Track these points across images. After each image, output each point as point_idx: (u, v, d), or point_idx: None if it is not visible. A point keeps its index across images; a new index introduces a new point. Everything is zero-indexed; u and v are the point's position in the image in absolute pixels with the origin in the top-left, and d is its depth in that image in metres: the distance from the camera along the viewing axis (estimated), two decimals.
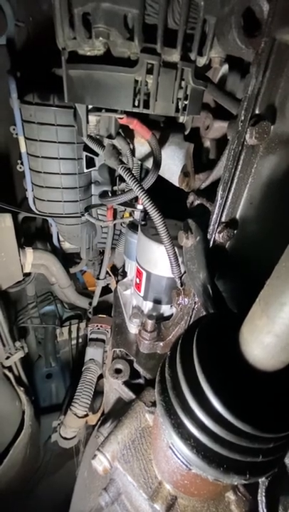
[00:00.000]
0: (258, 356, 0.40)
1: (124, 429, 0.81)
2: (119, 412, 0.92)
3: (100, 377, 1.70)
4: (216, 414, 0.41)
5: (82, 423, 1.65)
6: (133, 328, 1.18)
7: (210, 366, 0.43)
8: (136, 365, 1.06)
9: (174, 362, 0.49)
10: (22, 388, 2.00)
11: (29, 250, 1.74)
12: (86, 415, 1.59)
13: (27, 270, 1.81)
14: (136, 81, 0.67)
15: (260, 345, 0.39)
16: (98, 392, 1.72)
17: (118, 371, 1.05)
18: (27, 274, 1.96)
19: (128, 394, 0.99)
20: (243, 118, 0.60)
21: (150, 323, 1.03)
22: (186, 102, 0.76)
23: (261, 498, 0.64)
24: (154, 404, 0.85)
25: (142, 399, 0.88)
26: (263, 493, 0.64)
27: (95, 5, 0.59)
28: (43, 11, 1.51)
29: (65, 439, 1.68)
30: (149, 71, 0.66)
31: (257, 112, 0.59)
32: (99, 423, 1.04)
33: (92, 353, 1.68)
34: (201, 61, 0.74)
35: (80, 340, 2.58)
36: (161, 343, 1.06)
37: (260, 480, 0.62)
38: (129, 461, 0.77)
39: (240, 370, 0.41)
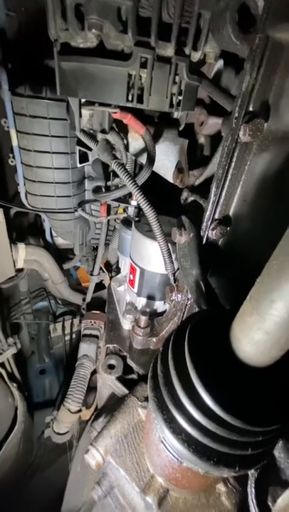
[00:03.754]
0: (249, 352, 0.40)
1: (117, 424, 0.82)
2: (112, 407, 0.92)
3: (94, 372, 1.71)
4: (206, 409, 0.42)
5: (76, 418, 1.66)
6: (126, 324, 1.18)
7: (201, 362, 0.43)
8: (129, 361, 1.06)
9: (166, 358, 0.50)
10: (15, 384, 1.99)
11: (21, 246, 1.72)
12: (79, 410, 1.60)
13: (19, 266, 1.79)
14: (129, 75, 0.66)
15: (251, 342, 0.39)
16: (91, 388, 1.73)
17: (111, 367, 1.05)
18: (20, 270, 1.94)
19: (121, 389, 0.99)
20: (237, 115, 0.60)
21: (143, 319, 1.04)
22: (180, 98, 0.76)
23: (251, 490, 0.66)
24: (146, 399, 0.85)
25: (135, 394, 0.89)
26: (253, 485, 0.66)
27: None
28: (35, 1, 1.47)
29: (58, 434, 1.69)
30: (143, 65, 0.65)
31: (251, 109, 0.59)
32: (92, 418, 1.05)
33: (85, 348, 1.69)
34: (196, 56, 0.73)
35: (74, 336, 2.58)
36: (154, 339, 1.07)
37: (249, 472, 0.64)
38: (122, 456, 0.78)
39: (231, 366, 0.42)
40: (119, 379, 1.02)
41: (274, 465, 0.66)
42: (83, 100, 0.82)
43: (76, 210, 1.64)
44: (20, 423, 2.03)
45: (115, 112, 0.85)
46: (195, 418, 0.44)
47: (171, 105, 0.75)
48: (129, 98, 0.70)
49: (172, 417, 0.47)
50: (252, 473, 0.65)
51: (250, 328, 0.39)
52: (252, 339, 0.39)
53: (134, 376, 1.06)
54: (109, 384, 1.04)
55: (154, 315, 1.14)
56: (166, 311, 1.08)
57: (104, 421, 0.90)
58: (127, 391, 0.96)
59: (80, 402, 1.57)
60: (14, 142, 1.47)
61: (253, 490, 0.66)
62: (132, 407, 0.85)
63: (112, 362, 1.06)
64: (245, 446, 0.43)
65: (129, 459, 0.77)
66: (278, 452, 0.65)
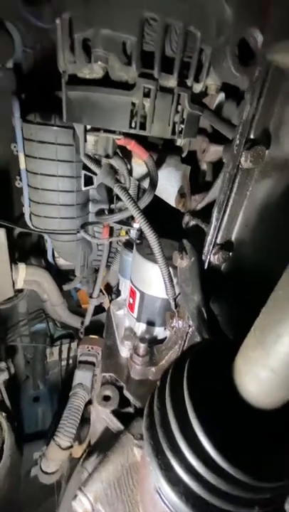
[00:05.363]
0: (254, 393, 0.36)
1: (109, 466, 0.74)
2: (106, 444, 0.85)
3: (89, 403, 1.60)
4: (207, 457, 0.37)
5: (66, 455, 1.52)
6: (124, 351, 1.12)
7: (201, 402, 0.39)
8: (126, 392, 0.99)
9: (164, 395, 0.45)
10: (4, 414, 1.87)
11: (22, 266, 1.71)
12: (71, 446, 1.47)
13: (19, 286, 1.76)
14: (133, 103, 0.68)
15: (256, 380, 0.35)
16: (86, 420, 1.61)
17: (106, 398, 0.99)
18: (19, 291, 1.91)
19: (116, 424, 0.92)
20: (238, 142, 0.61)
21: (142, 346, 0.99)
22: (182, 126, 0.78)
23: None
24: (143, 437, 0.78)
25: (131, 430, 0.82)
26: None
27: (94, 31, 0.61)
28: (50, 38, 1.59)
29: (46, 473, 1.53)
30: (146, 94, 0.68)
31: (252, 136, 0.60)
32: (84, 456, 0.96)
33: (80, 376, 1.60)
34: (198, 88, 0.75)
35: (71, 361, 2.48)
36: (153, 368, 1.01)
37: None
38: (113, 504, 0.70)
39: (234, 408, 0.37)
40: (115, 412, 0.95)
41: None
42: (89, 126, 0.85)
43: (79, 232, 1.64)
44: (6, 457, 1.87)
45: (119, 139, 0.87)
46: (194, 467, 0.38)
47: (174, 133, 0.77)
48: (132, 125, 0.71)
49: (169, 464, 0.42)
50: None
51: (254, 363, 0.35)
52: (256, 377, 0.35)
53: (131, 410, 0.98)
54: (103, 418, 0.97)
55: (153, 342, 1.09)
56: (166, 338, 1.03)
57: (96, 461, 0.82)
58: (122, 427, 0.89)
59: (71, 437, 1.45)
60: (22, 165, 1.51)
61: None
62: (127, 447, 0.77)
63: (108, 393, 1.00)
64: (251, 504, 0.38)
65: (122, 508, 0.69)
66: None
